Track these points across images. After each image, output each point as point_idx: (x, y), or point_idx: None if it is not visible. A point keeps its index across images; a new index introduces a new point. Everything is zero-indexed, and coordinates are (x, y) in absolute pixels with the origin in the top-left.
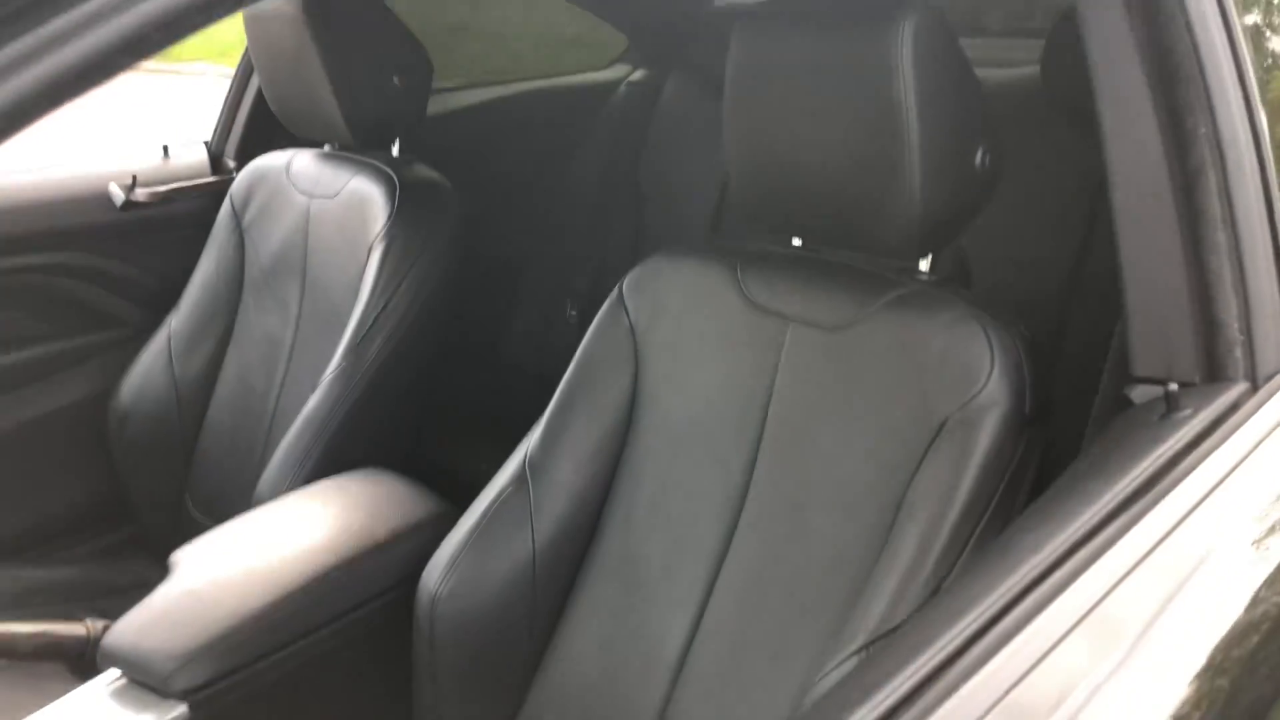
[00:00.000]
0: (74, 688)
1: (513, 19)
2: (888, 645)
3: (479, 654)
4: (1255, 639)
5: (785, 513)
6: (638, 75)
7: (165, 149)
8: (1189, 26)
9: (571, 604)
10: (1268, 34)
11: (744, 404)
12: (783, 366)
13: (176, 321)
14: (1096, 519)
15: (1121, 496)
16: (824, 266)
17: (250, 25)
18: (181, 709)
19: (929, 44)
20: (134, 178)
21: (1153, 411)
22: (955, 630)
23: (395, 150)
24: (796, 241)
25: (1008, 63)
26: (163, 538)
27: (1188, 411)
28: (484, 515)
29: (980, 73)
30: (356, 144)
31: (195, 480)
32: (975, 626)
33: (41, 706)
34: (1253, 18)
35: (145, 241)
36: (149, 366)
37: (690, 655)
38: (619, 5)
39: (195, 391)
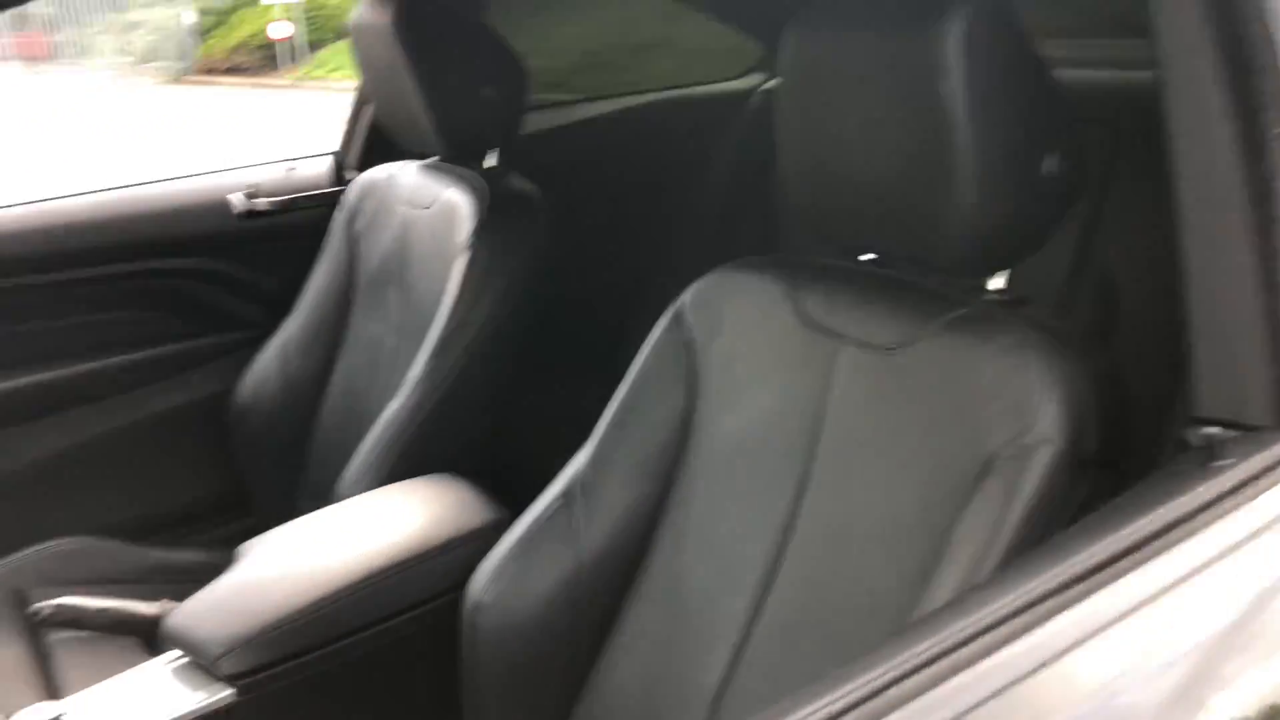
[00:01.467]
0: (144, 661)
1: (709, 30)
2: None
3: (519, 666)
4: None
5: (830, 547)
6: (773, 83)
7: (290, 161)
8: (1262, 14)
9: (616, 627)
10: None
11: (795, 427)
12: (835, 388)
13: (292, 325)
14: (1063, 577)
15: (1102, 555)
16: (885, 283)
17: (355, 38)
18: (229, 692)
19: (984, 43)
20: (255, 188)
21: (1195, 459)
22: (901, 658)
23: (493, 161)
24: (864, 257)
25: None
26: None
27: (1230, 460)
28: (530, 528)
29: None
30: (450, 155)
31: (306, 479)
32: (926, 655)
33: (111, 676)
34: None
35: (267, 248)
36: (265, 368)
37: (728, 690)
38: (758, 15)
39: (306, 393)
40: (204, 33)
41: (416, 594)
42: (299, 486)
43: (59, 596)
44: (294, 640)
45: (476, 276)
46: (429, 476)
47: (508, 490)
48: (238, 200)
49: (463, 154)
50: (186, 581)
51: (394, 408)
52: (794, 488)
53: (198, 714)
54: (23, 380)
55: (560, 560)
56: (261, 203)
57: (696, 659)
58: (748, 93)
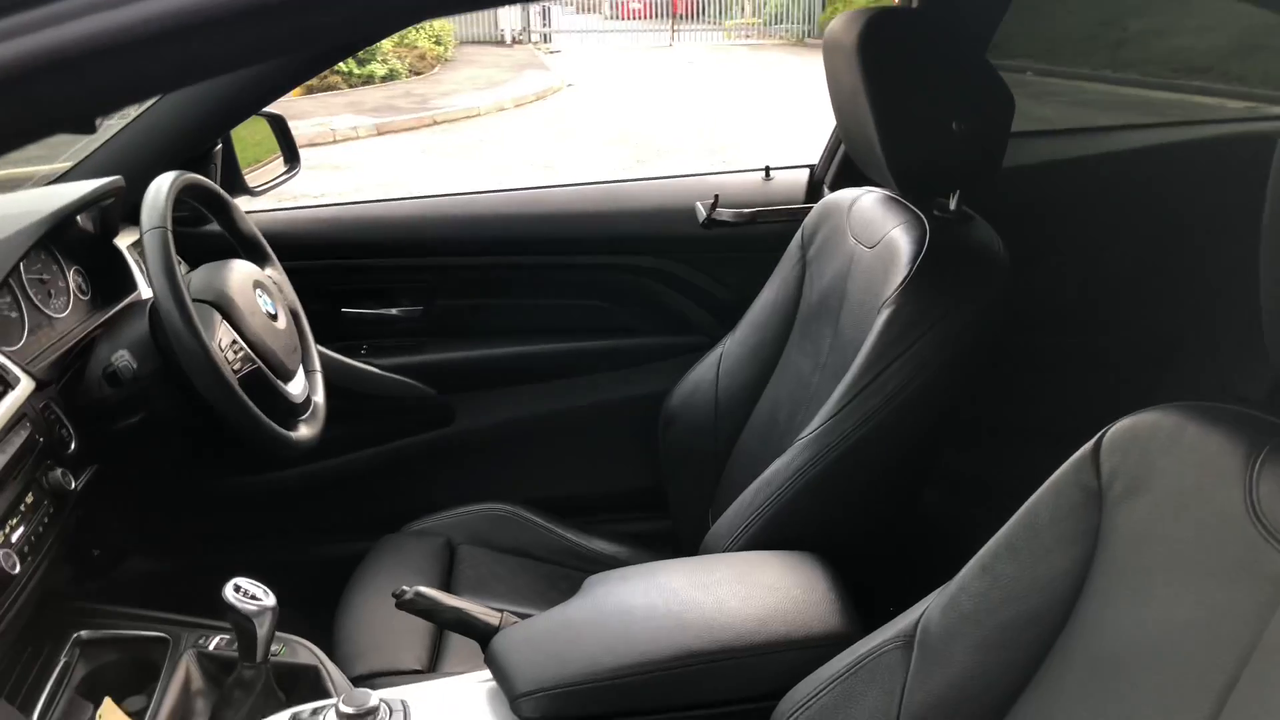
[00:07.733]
0: (479, 669)
1: None
2: None
3: None
4: None
5: None
6: None
7: (767, 171)
8: None
9: None
10: None
11: (1212, 649)
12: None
13: (731, 341)
14: None
15: None
16: None
17: (826, 55)
18: None
19: None
20: (716, 197)
21: None
22: None
23: (954, 203)
24: None
25: None
26: (689, 540)
27: None
28: (858, 662)
29: None
30: (902, 190)
31: (718, 498)
32: None
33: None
34: None
35: (729, 258)
36: (701, 377)
37: None
38: None
39: (732, 413)
40: None
41: (728, 690)
42: (710, 505)
43: (473, 561)
44: (597, 702)
45: (894, 337)
46: (794, 555)
47: (874, 583)
48: (702, 208)
49: (917, 190)
50: (589, 569)
51: (776, 466)
52: None
53: None
54: (500, 350)
55: (874, 714)
56: (725, 213)
57: None
58: None
